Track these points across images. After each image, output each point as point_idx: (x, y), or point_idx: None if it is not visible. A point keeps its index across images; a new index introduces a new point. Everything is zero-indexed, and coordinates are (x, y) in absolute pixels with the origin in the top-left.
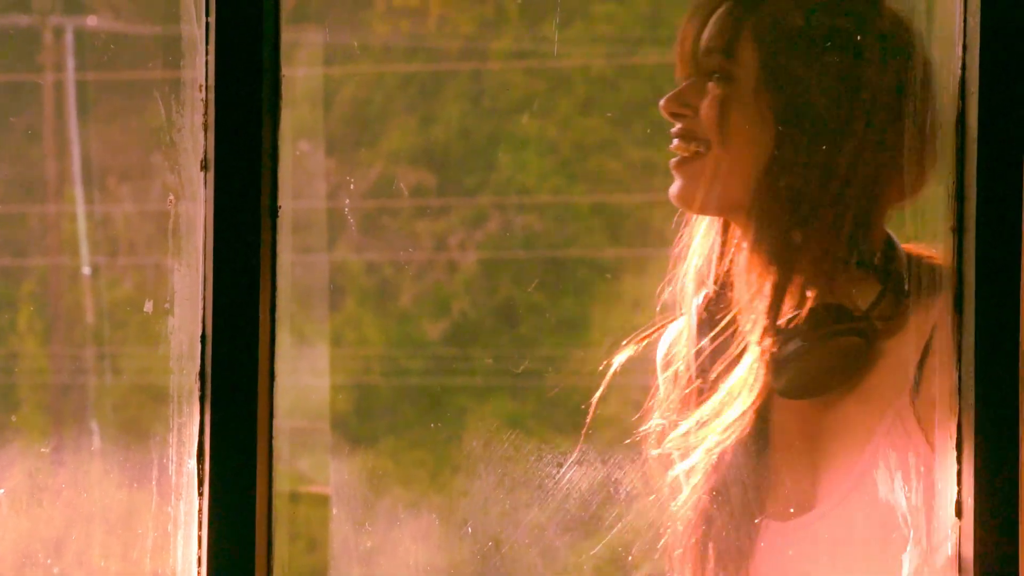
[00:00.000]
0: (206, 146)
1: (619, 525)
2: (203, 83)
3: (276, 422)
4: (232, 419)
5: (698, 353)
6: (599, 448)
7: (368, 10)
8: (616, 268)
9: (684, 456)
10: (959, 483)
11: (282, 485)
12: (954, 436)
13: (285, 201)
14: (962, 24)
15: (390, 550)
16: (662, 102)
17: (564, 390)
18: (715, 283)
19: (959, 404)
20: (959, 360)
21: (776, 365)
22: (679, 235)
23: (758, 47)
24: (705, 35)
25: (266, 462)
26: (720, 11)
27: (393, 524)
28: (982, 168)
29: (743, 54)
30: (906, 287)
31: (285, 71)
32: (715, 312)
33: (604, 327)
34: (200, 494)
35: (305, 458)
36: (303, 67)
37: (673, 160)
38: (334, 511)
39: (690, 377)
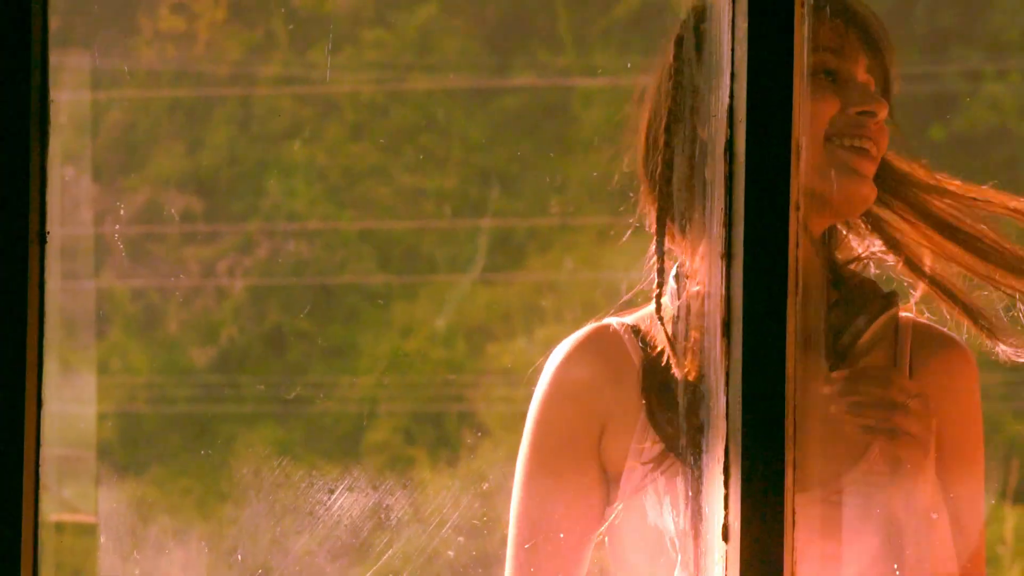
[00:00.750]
0: None
1: (389, 552)
2: None
3: (42, 450)
4: None
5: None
6: (370, 474)
7: (135, 35)
8: (386, 295)
9: None
10: (726, 507)
11: (47, 514)
12: (721, 460)
13: (52, 227)
14: (730, 53)
15: None
16: (873, 105)
17: (334, 416)
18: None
19: (727, 428)
20: (727, 385)
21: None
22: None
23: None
24: (885, 61)
25: (32, 491)
26: (886, 38)
27: (161, 553)
28: (750, 195)
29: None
30: None
31: (50, 95)
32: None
33: (374, 353)
34: None
35: (70, 486)
36: (68, 91)
37: (862, 159)
38: (102, 540)
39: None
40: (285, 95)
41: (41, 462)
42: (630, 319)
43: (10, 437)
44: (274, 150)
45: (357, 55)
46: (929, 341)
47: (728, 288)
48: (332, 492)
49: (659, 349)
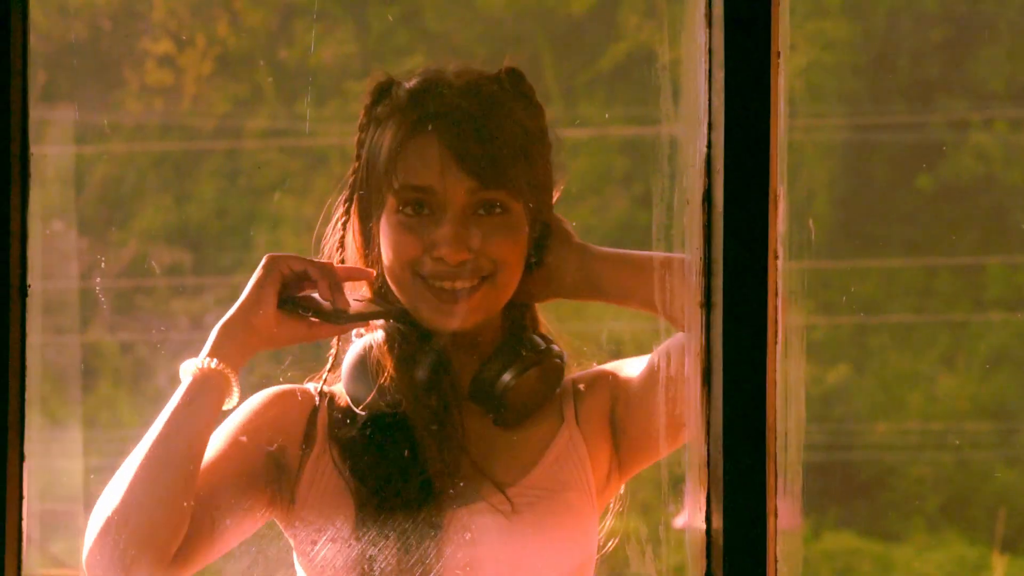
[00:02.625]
0: None
1: None
2: None
3: (28, 505)
4: None
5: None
6: (353, 525)
7: (121, 88)
8: None
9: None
10: (708, 556)
11: (33, 569)
12: (703, 509)
13: (35, 281)
14: (707, 103)
15: None
16: (449, 252)
17: None
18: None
19: (708, 478)
20: (708, 435)
21: (489, 397)
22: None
23: None
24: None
25: (15, 545)
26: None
27: None
28: (728, 244)
29: None
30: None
31: (34, 149)
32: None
33: None
34: None
35: (57, 541)
36: (53, 145)
37: (450, 302)
38: None
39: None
40: (272, 147)
41: (27, 517)
42: (334, 386)
43: None
44: (261, 202)
45: (343, 107)
46: (584, 383)
47: (708, 338)
48: (315, 543)
49: (344, 417)
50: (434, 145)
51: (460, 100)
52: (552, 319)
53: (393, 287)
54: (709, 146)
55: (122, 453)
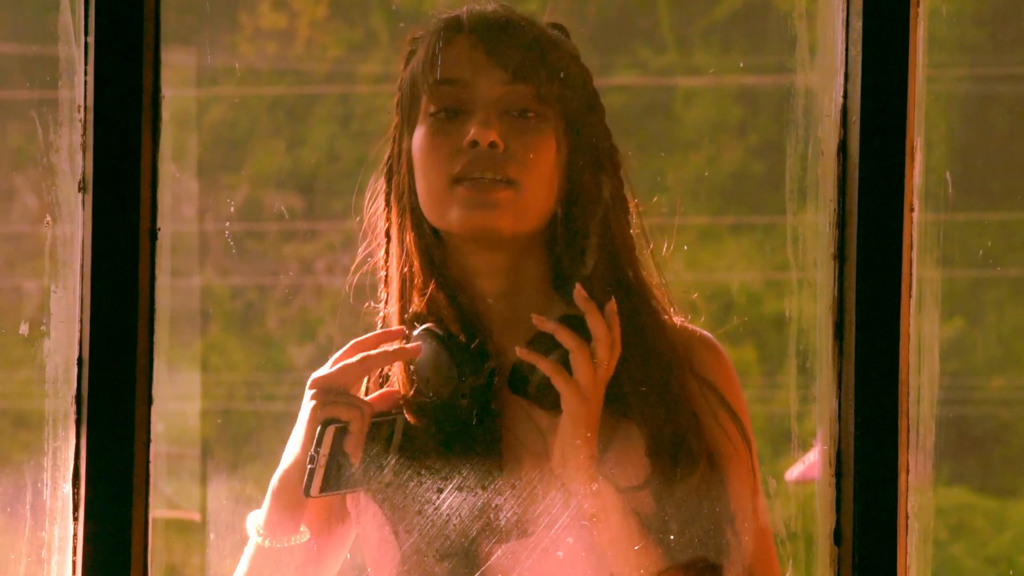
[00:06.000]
0: (84, 167)
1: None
2: (82, 104)
3: (152, 447)
4: (108, 443)
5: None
6: (480, 474)
7: (236, 32)
8: None
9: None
10: (838, 511)
11: (151, 510)
12: (833, 463)
13: (164, 223)
14: (844, 53)
15: None
16: (479, 134)
17: None
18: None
19: (839, 432)
20: (839, 388)
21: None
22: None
23: None
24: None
25: (143, 486)
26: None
27: None
28: (864, 195)
29: None
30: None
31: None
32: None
33: None
34: (75, 519)
35: (172, 483)
36: (170, 88)
37: (484, 191)
38: (211, 537)
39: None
40: (385, 93)
41: (152, 459)
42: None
43: (121, 433)
44: (373, 147)
45: None
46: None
47: (841, 290)
48: (440, 491)
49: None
50: (467, 41)
51: (497, 7)
52: (672, 270)
53: (425, 202)
54: (845, 96)
55: (232, 397)
